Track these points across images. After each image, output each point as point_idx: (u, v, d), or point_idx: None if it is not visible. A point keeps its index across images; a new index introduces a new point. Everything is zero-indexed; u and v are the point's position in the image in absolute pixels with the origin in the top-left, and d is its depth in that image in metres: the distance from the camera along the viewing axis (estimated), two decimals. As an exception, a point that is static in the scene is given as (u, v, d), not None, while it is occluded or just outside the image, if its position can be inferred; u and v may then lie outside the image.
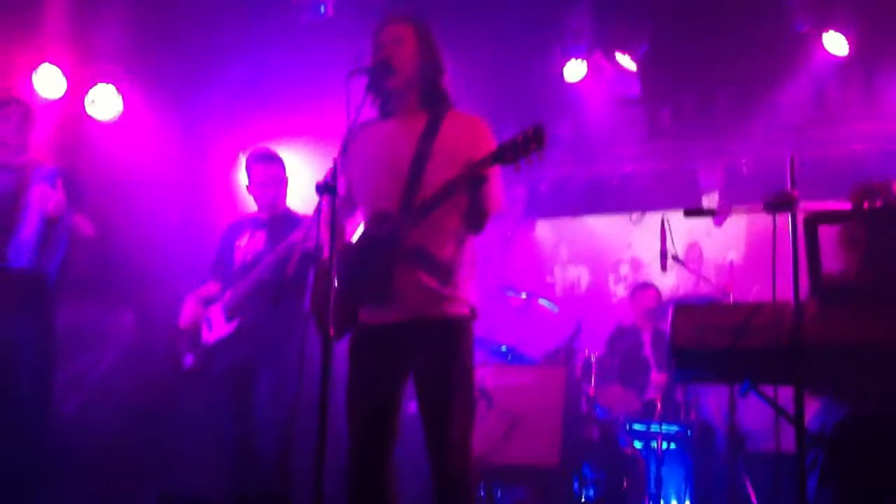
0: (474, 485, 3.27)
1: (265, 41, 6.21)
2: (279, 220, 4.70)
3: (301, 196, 4.88)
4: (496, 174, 3.20)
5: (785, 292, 2.94)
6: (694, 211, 3.42)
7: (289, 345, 4.48)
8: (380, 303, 3.25)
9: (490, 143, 3.24)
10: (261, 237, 4.69)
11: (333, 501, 3.00)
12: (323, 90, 6.06)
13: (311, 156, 5.89)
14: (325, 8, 6.00)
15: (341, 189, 3.19)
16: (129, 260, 5.89)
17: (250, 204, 4.92)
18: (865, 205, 3.54)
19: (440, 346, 3.25)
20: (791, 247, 2.92)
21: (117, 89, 6.09)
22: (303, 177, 5.30)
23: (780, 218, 3.03)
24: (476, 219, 3.25)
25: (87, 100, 6.05)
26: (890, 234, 2.83)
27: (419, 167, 3.29)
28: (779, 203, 2.93)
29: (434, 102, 3.43)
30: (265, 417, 4.41)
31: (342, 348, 3.29)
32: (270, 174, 4.76)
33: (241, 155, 6.08)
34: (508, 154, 3.05)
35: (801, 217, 2.90)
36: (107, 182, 5.65)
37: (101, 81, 6.05)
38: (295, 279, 4.00)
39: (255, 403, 4.45)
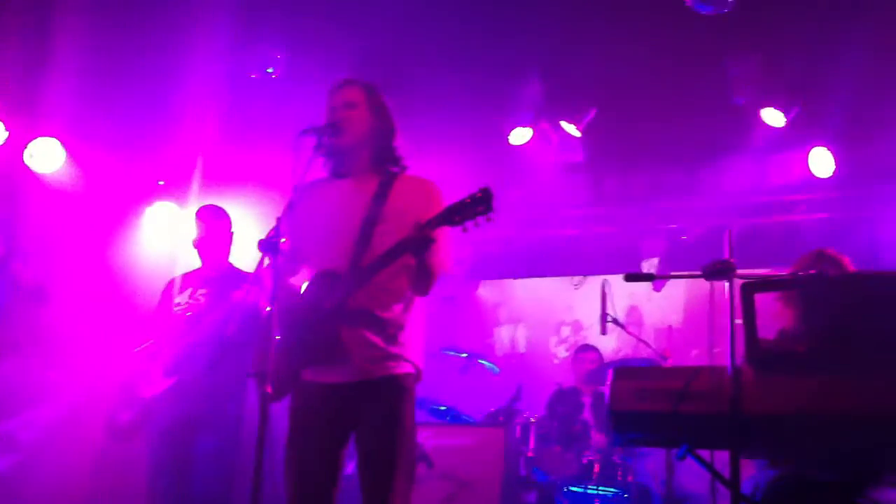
0: None
1: (213, 96, 6.21)
2: (223, 277, 4.66)
3: (246, 254, 4.85)
4: (445, 236, 3.23)
5: (722, 357, 2.98)
6: (634, 276, 3.46)
7: (228, 405, 4.42)
8: (324, 362, 3.24)
9: (440, 206, 3.26)
10: (203, 293, 4.64)
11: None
12: (269, 148, 6.11)
13: (257, 213, 5.86)
14: (275, 71, 6.03)
15: (286, 247, 3.18)
16: (62, 316, 5.77)
17: (194, 260, 4.87)
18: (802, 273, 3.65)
19: (384, 406, 3.24)
20: (729, 313, 2.97)
21: (61, 143, 6.02)
22: (248, 234, 5.28)
23: (717, 285, 3.09)
24: (423, 280, 3.28)
25: (27, 152, 5.98)
26: (822, 303, 2.89)
27: (369, 228, 3.31)
28: (717, 271, 2.98)
29: (385, 164, 3.47)
30: (203, 480, 4.32)
31: (282, 413, 3.25)
32: (216, 230, 4.74)
33: (185, 210, 6.07)
34: (456, 216, 3.08)
35: (738, 284, 2.96)
36: (42, 235, 5.57)
37: (44, 135, 5.99)
38: (236, 338, 3.97)
39: (193, 464, 4.35)
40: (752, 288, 2.87)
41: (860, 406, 2.68)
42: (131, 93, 6.02)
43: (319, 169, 3.52)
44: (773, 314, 3.78)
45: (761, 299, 3.07)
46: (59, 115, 6.01)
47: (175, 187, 6.58)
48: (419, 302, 3.40)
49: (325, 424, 3.26)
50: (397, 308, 3.32)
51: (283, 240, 3.07)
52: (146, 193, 6.56)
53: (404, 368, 3.29)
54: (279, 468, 3.25)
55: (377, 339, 3.25)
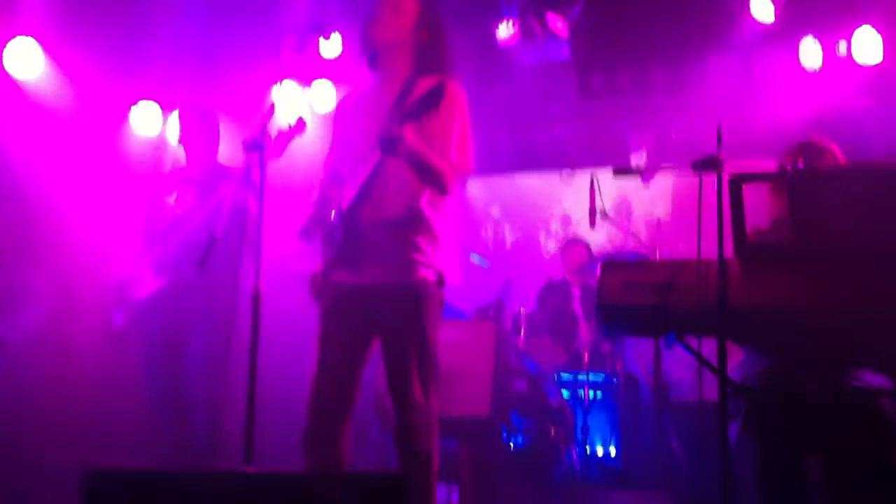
0: (434, 444, 3.35)
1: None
2: (210, 175, 4.65)
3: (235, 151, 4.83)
4: (461, 132, 3.30)
5: (710, 251, 3.03)
6: (623, 170, 3.49)
7: (219, 303, 4.47)
8: (351, 264, 3.30)
9: (458, 104, 3.34)
10: (191, 192, 4.63)
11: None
12: (258, 46, 6.01)
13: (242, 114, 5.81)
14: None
15: (329, 157, 3.39)
16: (47, 219, 5.76)
17: (180, 159, 4.85)
18: (789, 166, 3.67)
19: (408, 309, 3.32)
20: (717, 207, 3.01)
21: (41, 45, 5.91)
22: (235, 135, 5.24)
23: (706, 178, 3.11)
24: (428, 179, 3.30)
25: (6, 54, 5.87)
26: (811, 198, 2.91)
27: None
28: (705, 164, 3.00)
29: (423, 68, 3.46)
30: (196, 385, 4.39)
31: (270, 313, 3.30)
32: (202, 127, 4.71)
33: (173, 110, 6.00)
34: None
35: (726, 178, 2.98)
36: (24, 139, 5.51)
37: (22, 34, 5.87)
38: (224, 236, 3.98)
39: (186, 369, 4.42)
40: (739, 181, 2.89)
41: (841, 299, 2.73)
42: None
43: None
44: (767, 204, 3.82)
45: (756, 191, 3.11)
46: (36, 15, 5.88)
47: (161, 86, 6.48)
48: (445, 206, 3.42)
49: (349, 324, 3.36)
50: (419, 212, 3.35)
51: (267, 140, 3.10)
52: (131, 94, 6.46)
53: (426, 274, 3.35)
54: (273, 370, 3.35)
55: (400, 244, 3.31)
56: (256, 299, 3.00)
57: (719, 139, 3.14)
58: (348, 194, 3.33)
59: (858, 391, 3.17)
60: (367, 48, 3.49)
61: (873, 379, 3.21)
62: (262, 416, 2.97)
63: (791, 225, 3.00)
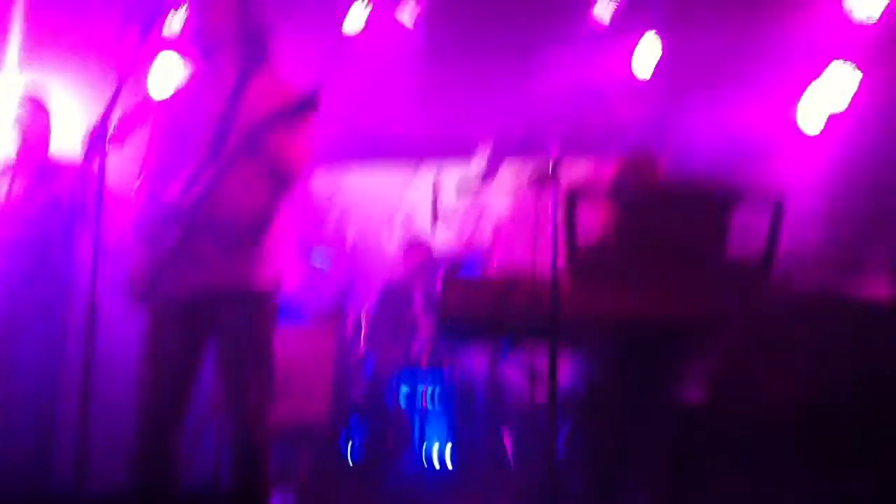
0: (264, 447, 3.27)
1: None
2: (41, 169, 4.42)
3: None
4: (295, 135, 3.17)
5: (545, 251, 3.12)
6: (465, 182, 3.55)
7: (49, 313, 4.27)
8: (187, 270, 3.18)
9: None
10: (19, 186, 4.39)
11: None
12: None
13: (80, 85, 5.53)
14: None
15: (152, 153, 3.24)
16: None
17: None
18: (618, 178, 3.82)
19: (245, 315, 3.22)
20: (552, 219, 3.10)
21: None
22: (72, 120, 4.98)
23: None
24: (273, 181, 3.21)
25: None
26: (638, 212, 3.05)
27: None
28: (541, 178, 3.09)
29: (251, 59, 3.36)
30: (20, 391, 4.19)
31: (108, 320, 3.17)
32: (36, 116, 4.48)
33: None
34: (286, 117, 3.04)
35: (561, 192, 3.06)
36: None
37: None
38: (58, 239, 3.80)
39: (14, 376, 4.21)
40: (574, 197, 2.98)
41: (663, 311, 2.87)
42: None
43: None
44: (598, 216, 3.96)
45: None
46: None
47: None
48: (284, 207, 3.33)
49: (182, 331, 3.23)
50: (262, 215, 3.23)
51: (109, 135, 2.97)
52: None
53: (264, 278, 3.25)
54: (106, 374, 3.22)
55: (238, 249, 3.20)
56: (92, 309, 2.86)
57: (560, 152, 3.23)
58: (173, 192, 3.22)
59: (678, 403, 3.33)
60: (194, 42, 3.35)
61: (690, 390, 3.38)
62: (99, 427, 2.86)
63: (619, 240, 3.12)
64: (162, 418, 3.20)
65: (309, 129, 3.16)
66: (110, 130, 2.97)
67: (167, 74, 5.69)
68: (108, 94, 3.01)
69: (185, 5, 3.33)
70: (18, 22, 5.68)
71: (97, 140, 2.92)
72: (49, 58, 5.82)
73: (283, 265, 3.36)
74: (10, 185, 4.40)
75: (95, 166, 2.97)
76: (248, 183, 3.19)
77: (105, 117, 2.93)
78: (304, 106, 3.04)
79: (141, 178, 3.29)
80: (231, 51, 3.35)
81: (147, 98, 3.64)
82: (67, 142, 4.47)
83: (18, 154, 4.49)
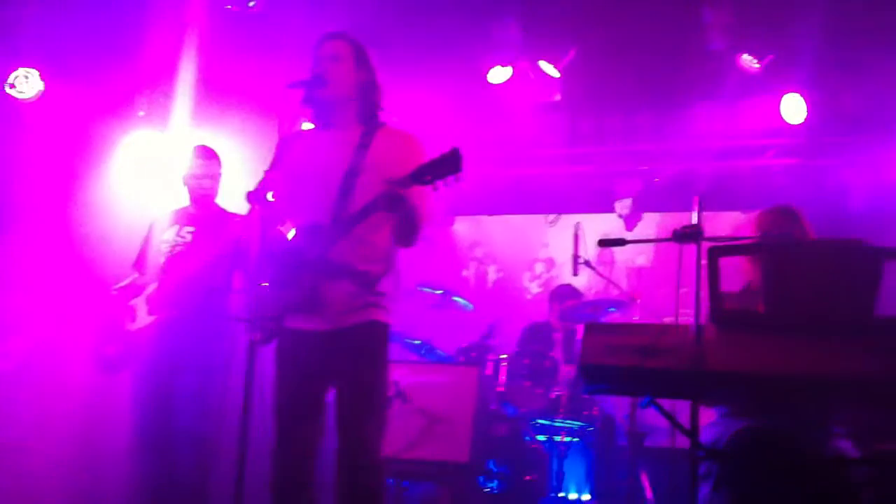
0: (382, 482, 3.42)
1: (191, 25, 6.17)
2: (211, 217, 4.75)
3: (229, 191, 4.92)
4: (422, 191, 3.32)
5: (688, 298, 3.15)
6: (607, 241, 3.62)
7: (212, 347, 4.52)
8: (307, 311, 3.37)
9: (420, 158, 3.34)
10: (190, 231, 4.72)
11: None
12: (251, 79, 6.11)
13: (240, 147, 5.90)
14: (255, 4, 6.00)
15: (274, 197, 3.31)
16: (36, 245, 5.81)
17: (182, 197, 4.94)
18: (762, 232, 3.81)
19: (361, 352, 3.40)
20: (695, 275, 3.14)
21: (39, 72, 6.01)
22: (238, 176, 5.31)
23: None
24: (405, 234, 3.42)
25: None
26: (784, 268, 3.05)
27: (350, 181, 3.42)
28: (685, 235, 3.14)
29: (370, 117, 3.56)
30: (187, 418, 4.43)
31: (269, 357, 3.40)
32: (209, 169, 4.81)
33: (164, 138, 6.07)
34: (427, 175, 3.18)
35: (705, 247, 3.11)
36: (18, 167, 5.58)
37: (23, 65, 5.97)
38: (223, 281, 4.06)
39: (176, 402, 4.46)
40: (718, 252, 3.01)
41: (810, 367, 2.85)
42: (107, 19, 5.97)
43: (308, 121, 3.63)
44: (741, 269, 3.97)
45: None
46: (37, 43, 5.98)
47: (154, 115, 6.55)
48: (400, 254, 3.53)
49: (306, 369, 3.41)
50: (376, 261, 3.45)
51: (269, 194, 3.20)
52: (124, 123, 6.53)
53: (380, 316, 3.44)
54: (268, 409, 3.42)
55: (355, 290, 3.39)
56: (252, 345, 3.08)
57: (701, 207, 3.27)
58: (295, 235, 3.42)
59: (828, 458, 3.29)
60: (316, 105, 3.56)
61: (839, 445, 3.34)
62: (253, 463, 3.04)
63: (763, 293, 3.12)
64: (292, 451, 3.37)
65: (444, 186, 3.24)
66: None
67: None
68: (268, 151, 3.26)
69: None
70: (187, 81, 6.08)
71: (259, 196, 3.16)
72: (215, 115, 6.22)
73: (404, 305, 3.52)
74: (182, 231, 4.73)
75: (256, 218, 3.21)
76: (376, 228, 3.38)
77: (266, 175, 3.17)
78: (445, 166, 3.18)
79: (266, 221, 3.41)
80: (353, 108, 3.55)
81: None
82: (233, 193, 4.78)
83: (191, 201, 4.84)
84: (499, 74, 6.76)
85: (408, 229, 3.39)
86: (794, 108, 6.70)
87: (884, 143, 6.46)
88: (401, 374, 5.33)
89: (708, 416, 3.74)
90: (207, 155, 4.84)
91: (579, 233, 5.63)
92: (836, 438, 3.39)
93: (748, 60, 6.44)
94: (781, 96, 6.73)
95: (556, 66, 6.68)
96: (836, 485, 3.27)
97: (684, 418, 3.12)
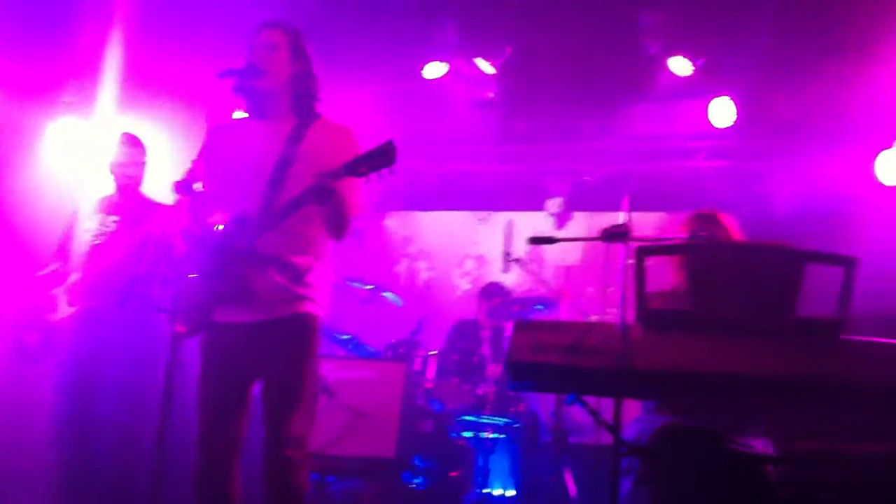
0: (306, 477, 3.39)
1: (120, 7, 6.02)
2: (135, 207, 4.65)
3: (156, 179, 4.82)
4: (353, 184, 3.30)
5: (615, 296, 3.19)
6: (537, 239, 3.66)
7: (136, 339, 4.45)
8: (234, 303, 3.32)
9: (354, 152, 3.31)
10: (115, 220, 4.62)
11: (174, 496, 3.06)
12: (185, 65, 5.99)
13: (169, 134, 5.78)
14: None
15: (203, 186, 3.26)
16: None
17: (107, 185, 4.83)
18: (690, 234, 3.87)
19: (290, 344, 3.37)
20: (622, 275, 3.18)
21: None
22: (165, 165, 5.20)
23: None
24: (335, 226, 3.39)
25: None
26: (709, 269, 3.09)
27: (282, 172, 3.37)
28: (614, 234, 3.18)
29: (304, 109, 3.52)
30: (110, 408, 4.36)
31: (194, 348, 3.34)
32: (134, 157, 4.71)
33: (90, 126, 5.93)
34: (360, 167, 3.16)
35: (633, 248, 3.14)
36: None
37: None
38: (147, 271, 3.98)
39: (99, 393, 4.38)
40: (644, 252, 3.04)
41: (732, 366, 2.90)
42: (32, 4, 5.80)
43: (239, 110, 3.57)
44: (668, 269, 4.03)
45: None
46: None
47: (80, 102, 6.38)
48: (330, 246, 3.50)
49: (233, 361, 3.37)
50: (306, 252, 3.42)
51: (197, 184, 3.14)
52: (49, 110, 6.35)
53: (310, 308, 3.41)
54: (190, 402, 3.36)
55: (285, 282, 3.35)
56: (175, 337, 3.02)
57: (629, 208, 3.31)
58: (221, 224, 3.37)
59: (746, 455, 3.36)
60: (249, 94, 3.50)
61: (757, 444, 3.41)
62: (175, 455, 2.98)
63: (689, 293, 3.17)
64: (217, 444, 3.32)
65: (378, 179, 3.22)
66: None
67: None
68: (196, 141, 3.19)
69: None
70: (113, 68, 5.94)
71: (186, 185, 3.10)
72: (142, 103, 6.08)
73: (328, 298, 3.49)
74: (106, 220, 4.62)
75: (183, 208, 3.15)
76: (306, 220, 3.34)
77: (194, 165, 3.11)
78: (379, 158, 3.16)
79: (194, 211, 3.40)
80: (287, 99, 3.51)
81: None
82: (158, 182, 4.70)
83: (116, 190, 4.74)
84: (434, 70, 6.77)
85: (338, 222, 3.36)
86: (722, 112, 6.83)
87: (809, 148, 6.61)
88: (328, 369, 5.29)
89: (633, 412, 3.79)
90: (133, 143, 4.74)
91: (510, 230, 5.67)
92: (755, 437, 3.45)
93: (681, 64, 6.55)
94: (711, 99, 6.85)
95: (491, 64, 6.71)
96: (754, 482, 3.33)
97: (609, 415, 3.15)
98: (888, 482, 3.40)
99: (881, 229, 6.14)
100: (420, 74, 6.78)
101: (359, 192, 3.40)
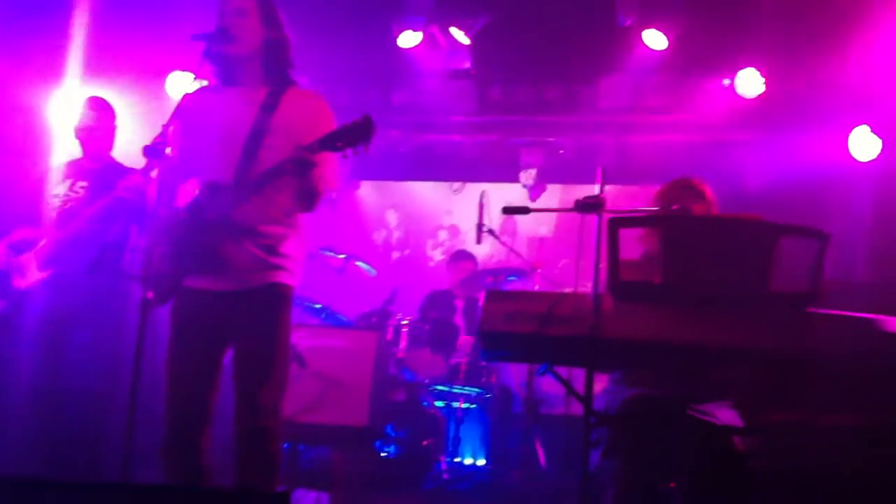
0: (280, 446, 3.39)
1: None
2: (104, 171, 4.58)
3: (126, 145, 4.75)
4: (328, 157, 3.27)
5: (588, 268, 3.19)
6: (511, 209, 3.65)
7: (107, 303, 4.41)
8: (206, 271, 3.30)
9: (328, 124, 3.30)
10: (83, 185, 4.55)
11: (144, 464, 3.05)
12: (152, 34, 5.91)
13: (138, 101, 5.70)
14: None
15: (174, 153, 3.21)
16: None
17: (74, 149, 4.75)
18: (665, 206, 3.87)
19: (262, 313, 3.34)
20: (595, 244, 3.17)
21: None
22: (136, 128, 5.12)
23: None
24: (307, 199, 3.36)
25: None
26: (679, 241, 3.10)
27: (256, 141, 3.33)
28: (587, 205, 3.17)
29: (276, 76, 3.47)
30: (79, 375, 4.32)
31: (165, 316, 3.31)
32: (102, 120, 4.64)
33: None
34: (337, 142, 3.15)
35: (605, 218, 3.14)
36: None
37: None
38: (117, 237, 3.93)
39: (68, 359, 4.34)
40: (617, 223, 3.04)
41: (703, 337, 2.92)
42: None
43: (211, 76, 3.51)
44: (640, 237, 4.03)
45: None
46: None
47: (46, 67, 6.26)
48: (304, 215, 3.47)
49: (204, 330, 3.34)
50: (280, 222, 3.39)
51: (168, 149, 3.09)
52: (14, 75, 6.23)
53: (283, 278, 3.39)
54: (160, 368, 3.33)
55: (258, 251, 3.33)
56: (145, 304, 2.99)
57: (603, 178, 3.30)
58: (192, 192, 3.33)
59: (713, 426, 3.39)
60: (219, 61, 3.43)
61: (724, 415, 3.44)
62: (145, 421, 2.96)
63: (661, 265, 3.17)
64: (186, 413, 3.31)
65: (353, 154, 3.20)
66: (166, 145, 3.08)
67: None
68: (166, 107, 3.13)
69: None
70: (80, 33, 5.83)
71: (157, 150, 3.05)
72: (110, 67, 5.98)
73: (301, 268, 3.47)
74: (75, 185, 4.56)
75: (153, 174, 3.10)
76: (280, 190, 3.31)
77: (165, 130, 3.06)
78: (357, 134, 3.14)
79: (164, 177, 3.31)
80: (258, 66, 3.45)
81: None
82: (127, 149, 4.61)
83: (84, 155, 4.67)
84: (409, 39, 6.71)
85: (311, 194, 3.34)
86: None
87: (783, 124, 6.64)
88: (300, 337, 5.28)
89: (602, 385, 3.81)
90: (100, 106, 4.67)
91: (484, 201, 5.66)
92: (724, 408, 3.48)
93: (655, 37, 6.53)
94: (687, 75, 6.85)
95: (466, 34, 6.66)
96: (722, 453, 3.36)
97: (580, 387, 3.16)
98: (855, 454, 3.45)
99: (853, 204, 6.20)
100: (395, 43, 6.71)
101: (334, 166, 3.37)
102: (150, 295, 2.98)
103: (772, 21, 6.32)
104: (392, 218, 8.42)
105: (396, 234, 8.37)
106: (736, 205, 5.62)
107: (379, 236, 8.40)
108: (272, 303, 3.36)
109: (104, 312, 4.40)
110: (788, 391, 3.54)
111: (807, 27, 6.21)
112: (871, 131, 6.24)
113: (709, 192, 3.95)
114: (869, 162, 6.28)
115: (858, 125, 6.30)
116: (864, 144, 6.29)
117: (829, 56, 6.27)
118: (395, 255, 8.31)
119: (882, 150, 6.23)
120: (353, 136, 3.13)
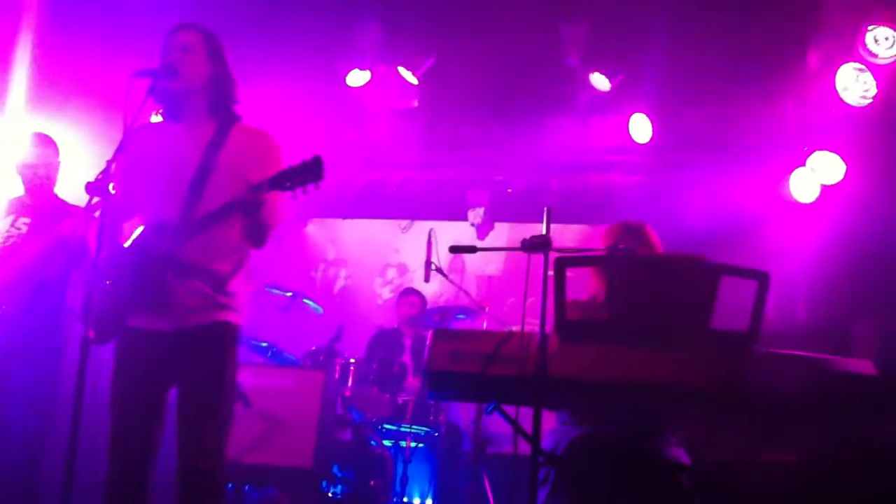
0: (223, 487, 3.33)
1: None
2: (47, 208, 4.52)
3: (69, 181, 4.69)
4: (282, 196, 3.25)
5: (535, 307, 3.20)
6: (457, 248, 3.68)
7: (47, 339, 4.34)
8: (150, 310, 3.25)
9: (275, 161, 3.31)
10: (26, 222, 4.48)
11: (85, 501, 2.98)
12: (100, 66, 5.85)
13: (84, 135, 5.63)
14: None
15: (118, 191, 3.17)
16: None
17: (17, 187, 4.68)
18: (611, 245, 3.92)
19: (207, 353, 3.30)
20: (542, 284, 3.19)
21: None
22: (73, 158, 5.06)
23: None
24: (257, 235, 3.35)
25: None
26: (627, 280, 3.13)
27: (202, 179, 3.31)
28: (534, 245, 3.20)
29: (222, 112, 3.46)
30: (18, 411, 4.24)
31: (106, 355, 3.25)
32: (45, 158, 4.58)
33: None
34: (287, 181, 3.15)
35: (552, 258, 3.16)
36: None
37: None
38: (58, 275, 3.86)
39: (3, 399, 4.25)
40: (564, 263, 3.07)
41: (647, 376, 2.94)
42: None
43: (156, 113, 3.49)
44: (587, 279, 4.07)
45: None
46: None
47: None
48: (250, 255, 3.45)
49: (149, 370, 3.29)
50: (227, 260, 3.37)
51: (111, 185, 3.06)
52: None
53: (230, 317, 3.36)
54: (101, 406, 3.27)
55: (205, 289, 3.29)
56: (85, 343, 2.93)
57: (548, 219, 3.34)
58: (136, 230, 3.29)
59: (660, 464, 3.41)
60: (164, 97, 3.42)
61: (671, 453, 3.47)
62: (85, 457, 2.89)
63: (607, 304, 3.20)
64: (130, 448, 3.24)
65: (303, 193, 3.20)
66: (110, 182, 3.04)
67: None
68: (111, 142, 3.10)
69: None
70: (23, 66, 5.77)
71: (101, 187, 3.01)
72: (54, 102, 5.91)
73: (248, 307, 3.44)
74: (17, 221, 4.49)
75: (97, 212, 3.06)
76: (227, 229, 3.29)
77: (109, 166, 3.03)
78: (307, 174, 3.14)
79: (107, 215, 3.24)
80: (204, 102, 3.44)
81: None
82: (71, 184, 4.56)
83: (27, 191, 4.60)
84: (357, 78, 6.75)
85: (259, 232, 3.33)
86: (641, 128, 6.93)
87: (721, 164, 6.77)
88: (245, 377, 5.21)
89: (550, 424, 3.82)
90: (44, 143, 4.61)
91: (432, 239, 5.66)
92: (670, 447, 3.51)
93: (599, 79, 6.64)
94: (630, 115, 6.96)
95: (414, 73, 6.71)
96: (669, 492, 3.39)
97: (528, 426, 3.16)
98: (798, 490, 3.49)
99: (789, 244, 6.32)
100: (343, 82, 6.74)
101: (283, 205, 3.36)
102: (91, 334, 2.93)
103: (709, 63, 6.45)
104: (332, 252, 8.38)
105: (344, 272, 8.33)
106: (676, 243, 5.71)
107: (322, 273, 8.36)
108: (218, 342, 3.32)
109: (42, 351, 4.33)
110: (732, 429, 3.58)
111: (744, 68, 6.36)
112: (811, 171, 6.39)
113: (652, 235, 4.01)
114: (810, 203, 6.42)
115: (795, 165, 6.45)
116: (802, 185, 6.43)
117: (767, 97, 6.43)
118: (339, 283, 8.25)
119: (821, 190, 6.37)
120: (303, 176, 3.13)
